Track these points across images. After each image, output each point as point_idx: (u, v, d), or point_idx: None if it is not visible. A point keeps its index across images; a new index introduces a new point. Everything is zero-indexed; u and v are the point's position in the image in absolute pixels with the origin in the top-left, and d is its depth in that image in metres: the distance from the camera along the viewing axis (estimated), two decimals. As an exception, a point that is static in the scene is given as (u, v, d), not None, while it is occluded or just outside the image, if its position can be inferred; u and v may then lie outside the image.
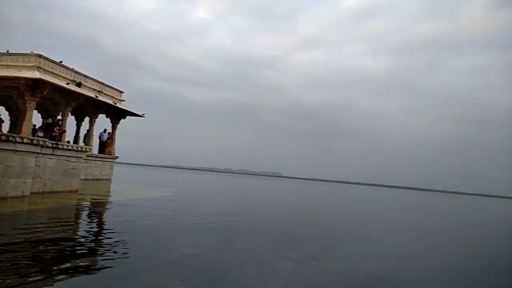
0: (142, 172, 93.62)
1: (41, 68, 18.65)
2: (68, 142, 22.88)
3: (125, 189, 28.40)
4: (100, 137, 30.66)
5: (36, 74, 17.71)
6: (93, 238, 10.84)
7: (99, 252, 8.89)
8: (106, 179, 30.45)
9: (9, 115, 26.34)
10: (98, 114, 27.37)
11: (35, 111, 18.98)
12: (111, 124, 31.38)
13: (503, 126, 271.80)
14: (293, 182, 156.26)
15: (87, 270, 7.35)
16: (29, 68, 17.87)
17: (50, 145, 18.90)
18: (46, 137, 19.12)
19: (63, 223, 12.73)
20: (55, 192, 19.60)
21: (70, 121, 25.55)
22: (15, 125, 24.05)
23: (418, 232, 20.31)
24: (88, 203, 19.15)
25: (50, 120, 22.66)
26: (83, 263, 7.86)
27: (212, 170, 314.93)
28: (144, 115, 31.76)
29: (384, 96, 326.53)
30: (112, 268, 7.58)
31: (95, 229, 12.48)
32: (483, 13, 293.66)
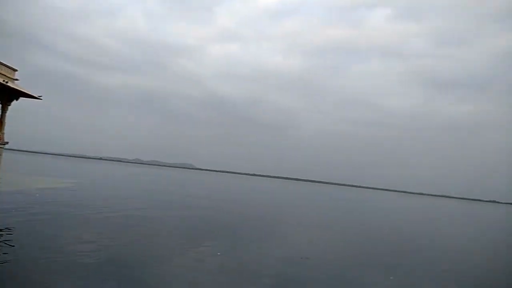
0: (43, 160, 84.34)
1: None
2: None
3: (18, 179, 25.54)
4: (-16, 119, 26.81)
5: None
6: None
7: None
8: (-8, 167, 26.87)
9: None
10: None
11: None
12: (0, 105, 27.69)
13: (396, 127, 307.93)
14: (206, 174, 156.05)
15: None
16: None
17: None
18: None
19: None
20: None
21: None
22: None
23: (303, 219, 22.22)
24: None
25: None
26: None
27: (120, 161, 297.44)
28: (40, 97, 28.63)
29: (294, 94, 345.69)
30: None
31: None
32: (383, 24, 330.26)
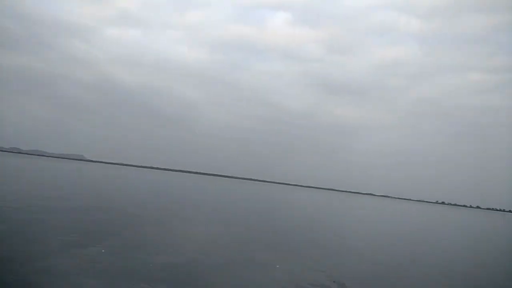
0: None
1: None
2: None
3: None
4: None
5: None
6: None
7: None
8: None
9: None
10: None
11: None
12: None
13: (292, 125, 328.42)
14: (98, 166, 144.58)
15: None
16: None
17: None
18: None
19: None
20: None
21: None
22: None
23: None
24: None
25: None
26: None
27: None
28: None
29: (198, 87, 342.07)
30: None
31: None
32: (284, 27, 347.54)
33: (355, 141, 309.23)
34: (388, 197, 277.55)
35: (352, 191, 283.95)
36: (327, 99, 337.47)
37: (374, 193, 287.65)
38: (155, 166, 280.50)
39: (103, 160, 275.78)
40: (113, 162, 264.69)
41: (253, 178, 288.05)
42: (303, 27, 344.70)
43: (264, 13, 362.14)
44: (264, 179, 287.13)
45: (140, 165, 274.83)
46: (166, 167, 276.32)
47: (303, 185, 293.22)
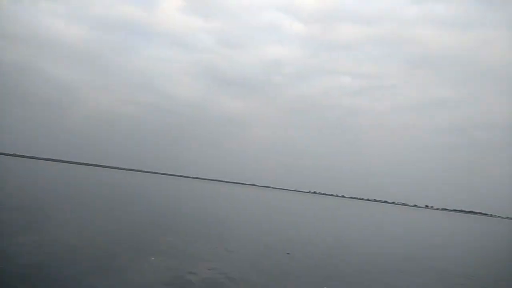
0: None
1: None
2: None
3: None
4: None
5: None
6: None
7: None
8: None
9: None
10: None
11: None
12: None
13: (182, 115, 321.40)
14: None
15: None
16: None
17: None
18: None
19: None
20: None
21: None
22: None
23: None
24: None
25: None
26: None
27: None
28: None
29: (77, 68, 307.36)
30: None
31: None
32: (175, 14, 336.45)
33: (243, 133, 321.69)
34: (270, 187, 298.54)
35: (237, 182, 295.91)
36: (217, 91, 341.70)
37: (256, 184, 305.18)
38: (28, 155, 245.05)
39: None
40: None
41: (135, 168, 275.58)
42: (194, 16, 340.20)
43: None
44: (148, 170, 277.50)
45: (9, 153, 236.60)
46: (35, 156, 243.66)
47: (190, 176, 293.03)
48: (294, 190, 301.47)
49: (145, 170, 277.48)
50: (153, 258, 10.77)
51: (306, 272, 11.42)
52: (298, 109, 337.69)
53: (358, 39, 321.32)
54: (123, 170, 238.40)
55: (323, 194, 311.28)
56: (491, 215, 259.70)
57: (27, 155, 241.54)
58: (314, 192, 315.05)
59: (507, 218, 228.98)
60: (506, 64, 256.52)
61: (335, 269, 12.64)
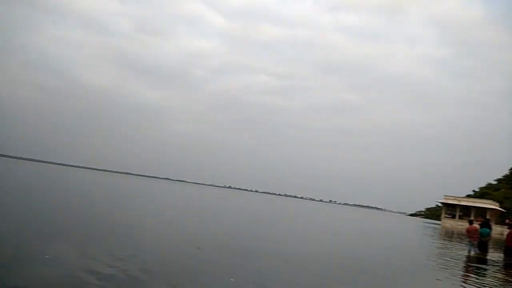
0: None
1: None
2: None
3: None
4: None
5: None
6: None
7: None
8: None
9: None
10: None
11: None
12: None
13: (91, 101, 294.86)
14: None
15: None
16: None
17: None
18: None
19: None
20: None
21: None
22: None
23: None
24: None
25: None
26: None
27: None
28: None
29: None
30: None
31: None
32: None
33: (159, 124, 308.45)
34: (185, 181, 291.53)
35: (149, 175, 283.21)
36: (131, 78, 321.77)
37: (171, 178, 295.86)
38: None
39: None
40: None
41: (30, 158, 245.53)
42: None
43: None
44: (45, 160, 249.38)
45: None
46: None
47: (97, 168, 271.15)
48: (210, 185, 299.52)
49: (42, 160, 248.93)
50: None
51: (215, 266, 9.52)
52: (217, 104, 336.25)
53: (277, 39, 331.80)
54: (17, 159, 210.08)
55: (238, 188, 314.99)
56: (384, 210, 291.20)
57: None
58: (230, 187, 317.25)
59: (398, 212, 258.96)
60: (402, 74, 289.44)
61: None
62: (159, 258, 9.37)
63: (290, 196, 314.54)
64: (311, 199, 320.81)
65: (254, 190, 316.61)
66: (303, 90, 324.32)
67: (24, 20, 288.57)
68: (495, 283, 11.22)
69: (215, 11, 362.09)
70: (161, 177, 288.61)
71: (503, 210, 69.30)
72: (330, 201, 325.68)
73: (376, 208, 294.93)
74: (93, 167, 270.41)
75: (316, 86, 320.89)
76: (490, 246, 18.43)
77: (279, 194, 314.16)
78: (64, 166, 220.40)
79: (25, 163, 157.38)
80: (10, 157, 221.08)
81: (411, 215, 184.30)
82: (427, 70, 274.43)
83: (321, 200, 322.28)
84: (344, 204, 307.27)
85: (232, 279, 8.11)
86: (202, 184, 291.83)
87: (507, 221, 22.32)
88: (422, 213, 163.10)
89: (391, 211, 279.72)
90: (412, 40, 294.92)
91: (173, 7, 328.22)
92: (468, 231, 18.93)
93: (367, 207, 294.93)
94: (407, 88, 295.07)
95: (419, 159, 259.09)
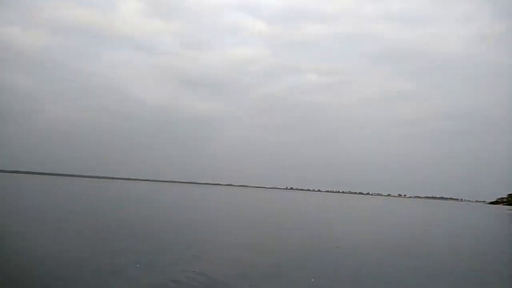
0: None
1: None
2: None
3: None
4: None
5: None
6: None
7: None
8: None
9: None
10: None
11: None
12: None
13: (146, 119, 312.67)
14: None
15: None
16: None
17: None
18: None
19: None
20: None
21: None
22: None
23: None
24: None
25: None
26: None
27: None
28: None
29: (33, 75, 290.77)
30: None
31: None
32: (136, 17, 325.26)
33: (213, 133, 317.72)
34: (247, 186, 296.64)
35: (212, 182, 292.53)
36: (183, 93, 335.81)
37: (233, 184, 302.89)
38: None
39: None
40: None
41: (106, 176, 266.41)
42: (155, 18, 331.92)
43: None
44: (117, 176, 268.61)
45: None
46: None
47: (164, 180, 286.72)
48: (272, 188, 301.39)
49: (115, 176, 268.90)
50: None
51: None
52: (265, 108, 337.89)
53: (320, 36, 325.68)
54: (93, 178, 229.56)
55: (299, 189, 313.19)
56: (460, 200, 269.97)
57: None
58: (291, 188, 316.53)
59: (476, 201, 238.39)
60: (459, 57, 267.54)
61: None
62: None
63: (355, 193, 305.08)
64: (378, 194, 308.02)
65: (316, 189, 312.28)
66: (352, 83, 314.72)
67: (81, 48, 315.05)
68: None
69: (254, 17, 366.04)
70: (224, 184, 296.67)
71: None
72: (399, 195, 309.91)
73: (451, 198, 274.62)
74: (161, 179, 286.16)
75: (365, 78, 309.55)
76: None
77: (344, 192, 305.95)
78: (136, 181, 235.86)
79: (105, 181, 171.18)
80: (96, 177, 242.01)
81: (492, 203, 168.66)
82: (483, 49, 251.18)
83: (389, 195, 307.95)
84: (415, 197, 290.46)
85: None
86: (264, 187, 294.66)
87: None
88: (504, 200, 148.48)
89: (468, 200, 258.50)
90: (463, 19, 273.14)
91: (214, 19, 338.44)
92: None
93: (441, 198, 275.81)
94: (464, 70, 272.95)
95: (490, 142, 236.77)
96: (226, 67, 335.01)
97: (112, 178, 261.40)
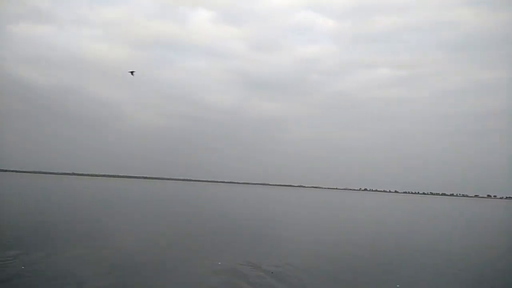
0: None
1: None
2: None
3: None
4: None
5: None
6: None
7: None
8: None
9: None
10: None
11: None
12: None
13: (216, 122, 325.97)
14: (16, 176, 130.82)
15: None
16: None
17: None
18: None
19: None
20: None
21: None
22: None
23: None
24: None
25: None
26: None
27: None
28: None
29: (118, 86, 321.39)
30: None
31: None
32: (207, 25, 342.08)
33: (282, 134, 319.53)
34: (319, 187, 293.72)
35: (284, 184, 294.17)
36: (252, 95, 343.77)
37: (304, 185, 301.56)
38: (79, 173, 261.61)
39: (13, 169, 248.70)
40: (36, 170, 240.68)
41: (185, 178, 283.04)
42: (225, 24, 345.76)
43: (185, 10, 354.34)
44: (191, 178, 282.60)
45: (64, 172, 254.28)
46: (89, 173, 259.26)
47: (236, 181, 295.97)
48: (344, 189, 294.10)
49: (194, 179, 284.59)
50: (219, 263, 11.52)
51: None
52: (336, 106, 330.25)
53: (393, 29, 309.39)
54: (172, 181, 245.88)
55: (374, 190, 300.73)
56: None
57: (79, 172, 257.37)
58: (365, 189, 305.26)
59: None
60: None
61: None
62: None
63: (438, 194, 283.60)
64: (464, 195, 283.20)
65: (393, 190, 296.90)
66: (429, 76, 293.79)
67: (160, 59, 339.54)
68: None
69: (323, 15, 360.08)
70: (295, 185, 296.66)
71: None
72: (489, 196, 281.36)
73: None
74: (234, 181, 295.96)
75: (443, 69, 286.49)
76: None
77: (424, 193, 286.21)
78: (209, 183, 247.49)
79: (183, 183, 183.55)
80: (175, 179, 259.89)
81: None
82: None
83: (476, 196, 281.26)
84: (507, 198, 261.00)
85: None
86: (336, 188, 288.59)
87: None
88: None
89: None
90: None
91: (282, 20, 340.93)
92: None
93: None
94: None
95: None
96: (295, 67, 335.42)
97: (191, 180, 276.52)
